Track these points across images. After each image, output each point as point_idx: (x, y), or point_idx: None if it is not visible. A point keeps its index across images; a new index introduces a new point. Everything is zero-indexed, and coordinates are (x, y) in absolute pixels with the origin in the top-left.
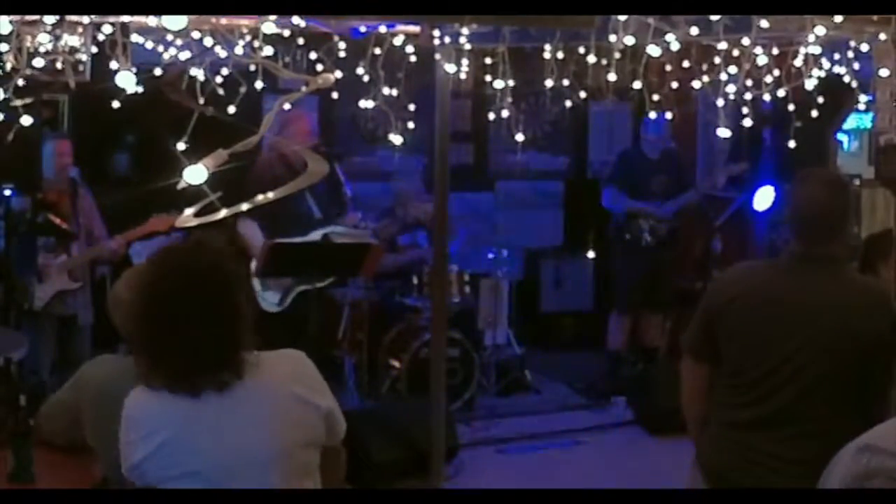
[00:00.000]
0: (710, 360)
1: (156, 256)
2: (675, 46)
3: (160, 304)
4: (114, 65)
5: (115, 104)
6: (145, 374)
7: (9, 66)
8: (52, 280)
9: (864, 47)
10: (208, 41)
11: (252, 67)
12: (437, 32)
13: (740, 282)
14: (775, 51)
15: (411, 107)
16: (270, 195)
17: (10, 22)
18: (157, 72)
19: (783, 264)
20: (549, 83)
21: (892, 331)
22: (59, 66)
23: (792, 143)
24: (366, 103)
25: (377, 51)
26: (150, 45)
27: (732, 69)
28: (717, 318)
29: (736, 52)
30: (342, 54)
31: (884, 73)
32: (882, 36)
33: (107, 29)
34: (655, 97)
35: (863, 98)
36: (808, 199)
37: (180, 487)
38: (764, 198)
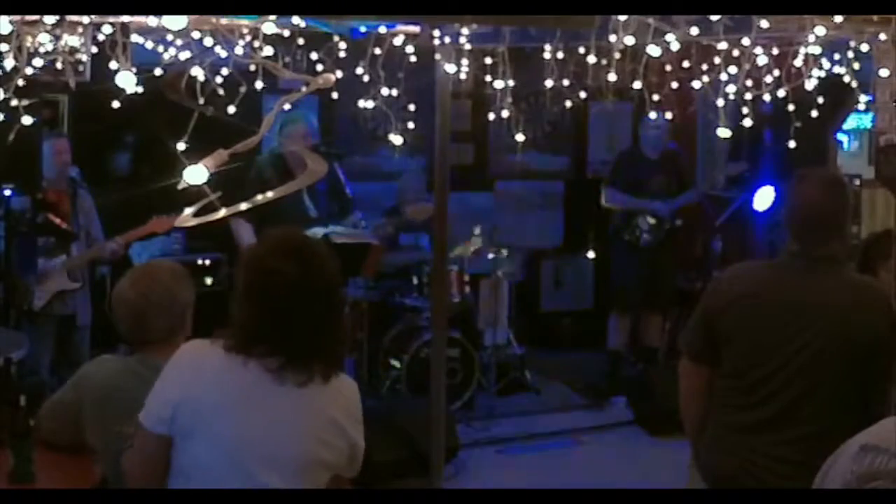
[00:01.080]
0: (710, 362)
1: (295, 238)
2: (675, 46)
3: (291, 285)
4: (114, 65)
5: (115, 104)
6: (233, 339)
7: (9, 66)
8: (51, 280)
9: (864, 47)
10: (208, 41)
11: (252, 67)
12: (437, 32)
13: (740, 283)
14: (775, 51)
15: (411, 107)
16: (270, 195)
17: (10, 22)
18: (157, 72)
19: (782, 265)
20: (549, 83)
21: (892, 331)
22: (59, 66)
23: (792, 143)
24: (366, 103)
25: (377, 51)
26: (150, 45)
27: (732, 69)
28: (717, 320)
29: (736, 52)
30: (342, 54)
31: (884, 73)
32: (882, 36)
33: (107, 29)
34: (655, 97)
35: (863, 98)
36: (806, 199)
37: (199, 450)
38: (764, 198)
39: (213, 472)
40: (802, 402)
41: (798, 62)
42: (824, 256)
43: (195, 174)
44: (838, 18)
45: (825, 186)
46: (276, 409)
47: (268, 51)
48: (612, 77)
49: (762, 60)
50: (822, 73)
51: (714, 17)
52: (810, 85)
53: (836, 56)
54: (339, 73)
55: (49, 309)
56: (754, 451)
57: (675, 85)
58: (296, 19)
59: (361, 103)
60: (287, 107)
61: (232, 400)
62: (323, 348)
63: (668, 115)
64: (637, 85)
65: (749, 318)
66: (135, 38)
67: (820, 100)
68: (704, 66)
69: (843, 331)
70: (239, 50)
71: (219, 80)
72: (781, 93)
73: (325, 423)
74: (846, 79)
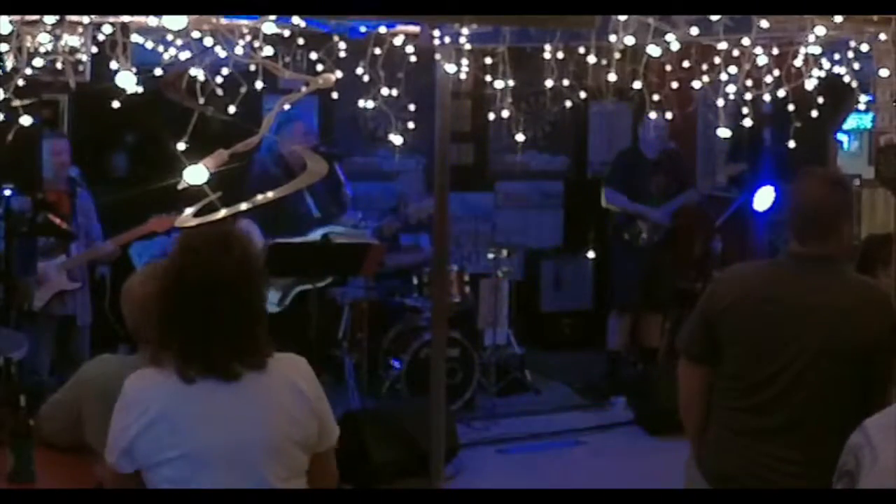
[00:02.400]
0: (710, 364)
1: (189, 238)
2: (675, 46)
3: (190, 289)
4: (114, 65)
5: (115, 104)
6: (155, 357)
7: (9, 66)
8: (51, 280)
9: (864, 47)
10: (208, 41)
11: (252, 67)
12: (437, 32)
13: (740, 284)
14: (775, 51)
15: (411, 107)
16: (270, 195)
17: (10, 22)
18: (157, 72)
19: (782, 265)
20: (549, 83)
21: (893, 331)
22: (59, 66)
23: (792, 143)
24: (366, 103)
25: (377, 51)
26: (150, 45)
27: (732, 69)
28: (717, 321)
29: (736, 52)
30: (342, 54)
31: (884, 73)
32: (882, 36)
33: (107, 29)
34: (655, 97)
35: (863, 98)
36: (805, 196)
37: (169, 472)
38: (764, 198)
39: (178, 484)
40: (804, 403)
41: (798, 62)
42: (824, 256)
43: (195, 174)
44: (838, 18)
45: (827, 185)
46: (226, 406)
47: (268, 51)
48: (612, 77)
49: (762, 60)
50: (822, 73)
51: (714, 17)
52: (810, 85)
53: (836, 56)
54: (339, 73)
55: (49, 309)
56: (758, 453)
57: (675, 85)
58: (296, 19)
59: (361, 103)
60: (287, 107)
61: (181, 417)
62: (243, 336)
63: (668, 115)
64: (637, 85)
65: (749, 319)
66: (135, 38)
67: (820, 100)
68: (704, 66)
69: (844, 331)
70: (239, 50)
71: (219, 80)
72: (781, 93)
73: (288, 401)
74: (846, 79)
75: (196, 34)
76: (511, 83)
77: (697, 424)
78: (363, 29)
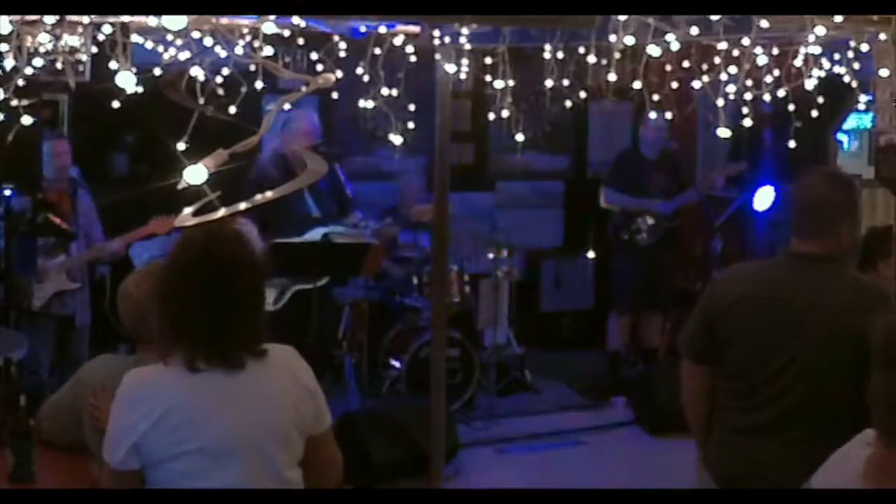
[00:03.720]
0: (711, 362)
1: (193, 234)
2: (675, 46)
3: (195, 283)
4: (114, 65)
5: (115, 104)
6: (163, 352)
7: (9, 66)
8: (51, 280)
9: (864, 47)
10: (208, 41)
11: (252, 67)
12: (437, 32)
13: (739, 284)
14: (775, 51)
15: (411, 107)
16: (269, 195)
17: (10, 22)
18: (157, 72)
19: (782, 264)
20: (549, 83)
21: None
22: (59, 66)
23: (792, 143)
24: (366, 103)
25: (377, 51)
26: (150, 45)
27: (732, 69)
28: (718, 322)
29: (736, 52)
30: (342, 54)
31: (884, 73)
32: (882, 36)
33: (107, 29)
34: (655, 97)
35: (863, 98)
36: (805, 192)
37: (183, 466)
38: (764, 198)
39: (196, 477)
40: (805, 402)
41: (798, 62)
42: (824, 255)
43: (195, 174)
44: (838, 18)
45: (828, 182)
46: (234, 396)
47: (268, 51)
48: (612, 77)
49: (762, 60)
50: (822, 73)
51: (714, 17)
52: (810, 85)
53: (836, 56)
54: (339, 73)
55: (48, 309)
56: (762, 453)
57: (675, 85)
58: (296, 19)
59: (361, 103)
60: (287, 107)
61: (193, 410)
62: (247, 324)
63: (668, 115)
64: (637, 85)
65: (750, 319)
66: (135, 38)
67: (820, 100)
68: (704, 66)
69: (844, 330)
70: (239, 50)
71: (219, 80)
72: (781, 93)
73: (289, 390)
74: (846, 79)
75: (196, 34)
76: (511, 83)
77: (703, 424)
78: (363, 29)
